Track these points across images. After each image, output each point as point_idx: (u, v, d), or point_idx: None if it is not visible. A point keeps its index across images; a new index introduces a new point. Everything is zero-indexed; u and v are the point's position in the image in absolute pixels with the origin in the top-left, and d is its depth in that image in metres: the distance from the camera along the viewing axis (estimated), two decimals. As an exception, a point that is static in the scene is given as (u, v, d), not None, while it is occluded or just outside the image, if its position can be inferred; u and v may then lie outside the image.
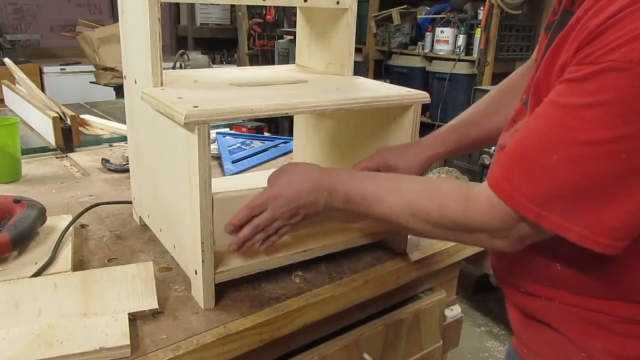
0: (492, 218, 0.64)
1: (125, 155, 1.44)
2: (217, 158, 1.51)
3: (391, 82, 1.35)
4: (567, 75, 0.58)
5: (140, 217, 1.04)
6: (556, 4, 0.77)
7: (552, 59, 0.64)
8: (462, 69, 3.51)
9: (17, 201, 0.93)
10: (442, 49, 3.68)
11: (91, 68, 3.46)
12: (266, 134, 1.92)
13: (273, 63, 4.48)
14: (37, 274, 0.82)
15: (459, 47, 3.56)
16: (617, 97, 0.53)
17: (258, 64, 4.72)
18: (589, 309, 0.69)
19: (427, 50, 3.80)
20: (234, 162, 1.48)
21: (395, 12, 4.03)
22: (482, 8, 3.40)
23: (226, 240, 0.80)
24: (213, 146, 1.56)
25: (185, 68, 2.58)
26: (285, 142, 1.68)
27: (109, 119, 1.86)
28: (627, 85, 0.53)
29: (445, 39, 3.64)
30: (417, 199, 0.71)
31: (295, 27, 1.17)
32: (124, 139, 1.64)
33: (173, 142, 0.79)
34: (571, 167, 0.57)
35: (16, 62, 2.26)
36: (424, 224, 0.71)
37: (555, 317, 0.73)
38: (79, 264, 0.89)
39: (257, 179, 1.17)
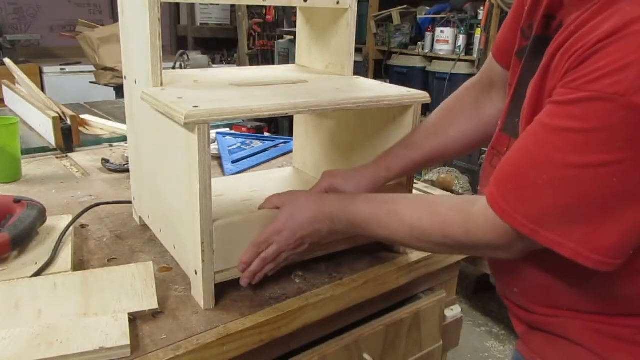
0: (492, 237, 0.65)
1: (125, 155, 1.44)
2: (217, 158, 1.51)
3: (391, 82, 1.35)
4: (555, 97, 0.59)
5: (140, 217, 1.04)
6: (527, 29, 0.77)
7: (540, 84, 0.65)
8: (462, 69, 3.51)
9: (17, 201, 0.93)
10: (442, 49, 3.68)
11: (91, 68, 3.46)
12: (266, 134, 1.92)
13: (273, 63, 4.48)
14: (37, 274, 0.82)
15: (459, 47, 3.56)
16: (603, 126, 0.54)
17: (258, 64, 4.72)
18: (612, 324, 0.70)
19: (427, 50, 3.80)
20: (234, 162, 1.48)
21: (395, 12, 4.03)
22: (482, 8, 3.40)
23: (228, 264, 0.80)
24: (213, 146, 1.56)
25: (185, 68, 2.58)
26: (285, 142, 1.68)
27: (109, 119, 1.85)
28: (613, 115, 0.53)
29: (445, 39, 3.64)
30: (417, 223, 0.72)
31: (295, 27, 1.17)
32: (124, 139, 1.64)
33: (173, 142, 0.79)
34: (561, 187, 0.58)
35: (16, 62, 2.25)
36: (427, 244, 0.73)
37: (574, 332, 0.73)
38: (79, 264, 0.89)
39: (257, 179, 1.17)
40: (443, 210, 0.71)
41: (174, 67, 2.56)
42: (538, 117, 0.61)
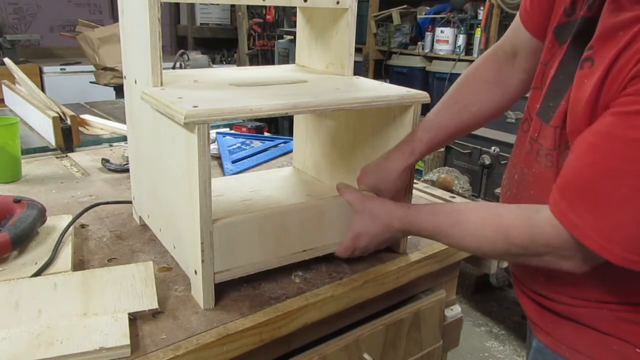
0: (558, 243, 0.65)
1: (125, 155, 1.44)
2: (217, 158, 1.51)
3: (391, 82, 1.35)
4: (623, 106, 0.57)
5: (140, 217, 1.04)
6: (569, 6, 0.74)
7: (602, 83, 0.62)
8: (462, 69, 3.50)
9: (17, 201, 0.93)
10: (442, 48, 3.68)
11: (91, 68, 3.46)
12: (266, 134, 1.92)
13: (273, 63, 4.48)
14: (37, 274, 0.82)
15: (459, 47, 3.56)
16: None
17: (258, 64, 4.73)
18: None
19: (427, 50, 3.81)
20: (234, 162, 1.48)
21: (395, 12, 4.03)
22: (482, 8, 3.41)
23: (227, 264, 0.80)
24: (213, 146, 1.56)
25: (185, 68, 2.58)
26: (285, 142, 1.68)
27: (109, 119, 1.85)
28: None
29: (445, 38, 3.65)
30: (480, 232, 0.74)
31: (295, 27, 1.17)
32: (124, 139, 1.64)
33: (173, 142, 0.79)
34: None
35: (16, 62, 2.25)
36: (491, 252, 0.76)
37: (603, 322, 0.73)
38: (79, 264, 0.89)
39: (257, 179, 1.17)
40: (508, 217, 0.71)
41: (174, 67, 2.55)
42: (600, 129, 0.59)
